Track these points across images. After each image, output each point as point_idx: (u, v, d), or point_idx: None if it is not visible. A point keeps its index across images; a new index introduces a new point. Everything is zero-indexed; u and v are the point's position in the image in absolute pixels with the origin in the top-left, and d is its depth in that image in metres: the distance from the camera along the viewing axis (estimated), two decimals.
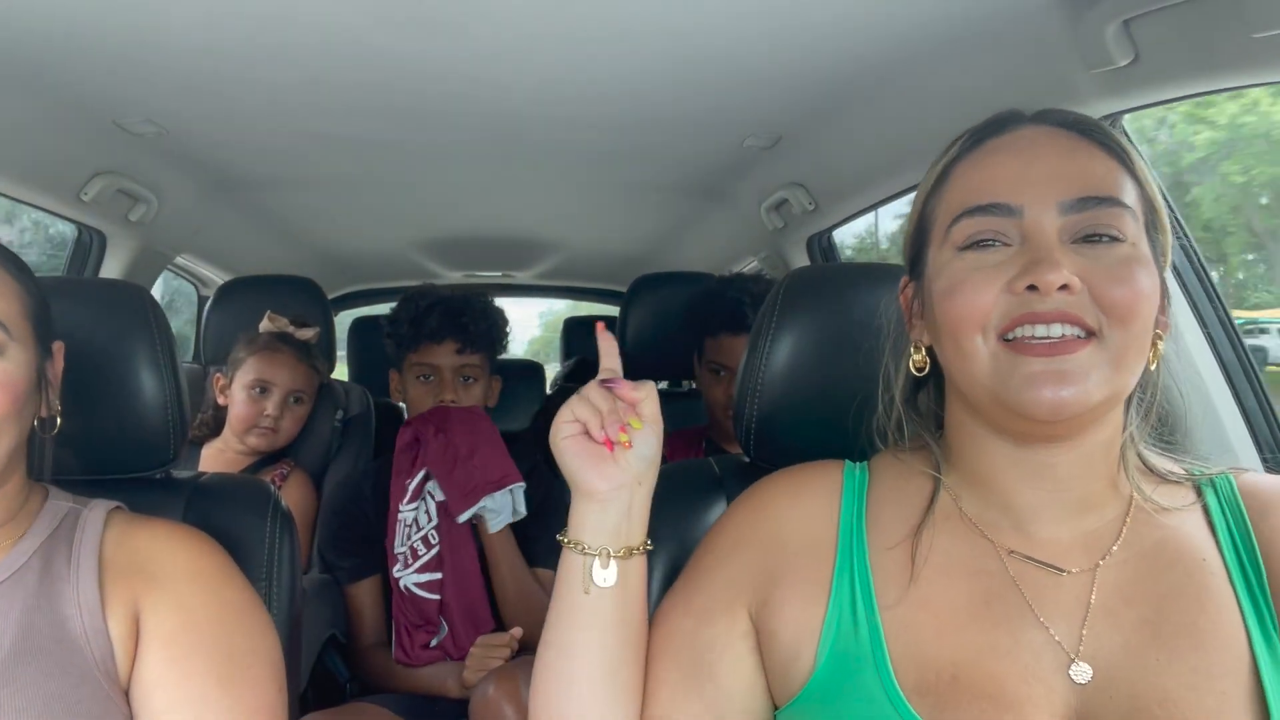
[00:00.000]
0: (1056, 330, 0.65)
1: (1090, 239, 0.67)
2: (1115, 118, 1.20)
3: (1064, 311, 0.65)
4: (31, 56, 1.31)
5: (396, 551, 1.73)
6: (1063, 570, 0.70)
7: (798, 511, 0.79)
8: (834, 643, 0.71)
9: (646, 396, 0.76)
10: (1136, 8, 0.95)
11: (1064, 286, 0.65)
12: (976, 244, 0.69)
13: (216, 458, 1.95)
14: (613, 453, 0.74)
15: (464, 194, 2.42)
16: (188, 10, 1.16)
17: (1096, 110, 1.16)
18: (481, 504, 1.66)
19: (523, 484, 1.69)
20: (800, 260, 2.40)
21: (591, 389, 0.77)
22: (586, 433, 0.75)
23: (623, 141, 1.85)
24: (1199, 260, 1.23)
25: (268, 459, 1.97)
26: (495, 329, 1.83)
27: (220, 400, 1.97)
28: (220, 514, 1.01)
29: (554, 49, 1.31)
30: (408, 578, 1.71)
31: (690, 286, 2.17)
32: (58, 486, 0.90)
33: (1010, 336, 0.67)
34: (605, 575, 0.74)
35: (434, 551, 1.71)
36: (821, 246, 2.36)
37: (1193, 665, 0.65)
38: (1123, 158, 0.70)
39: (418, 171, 2.11)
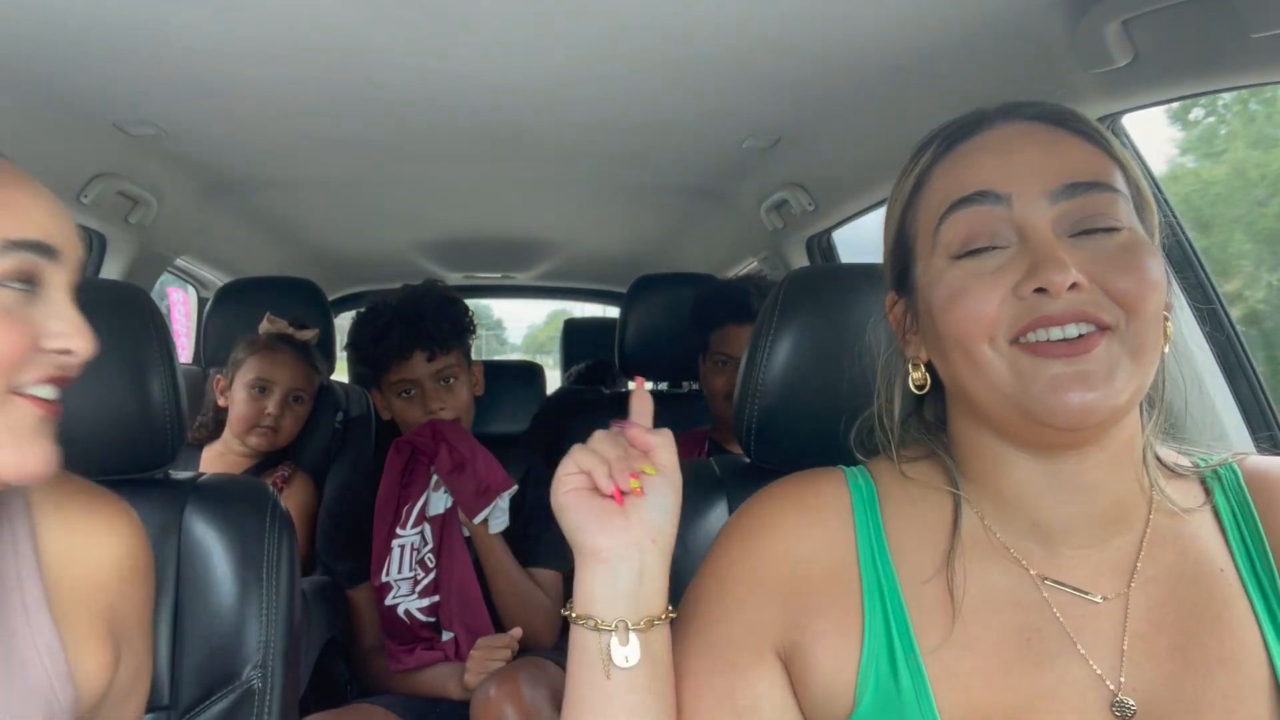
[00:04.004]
0: (1073, 330, 0.62)
1: (1089, 231, 0.64)
2: (1114, 117, 1.20)
3: (1079, 310, 0.61)
4: (31, 59, 1.31)
5: (394, 579, 1.70)
6: (1097, 597, 0.67)
7: (812, 533, 0.73)
8: (874, 689, 0.66)
9: (663, 443, 0.68)
10: (1135, 8, 0.95)
11: (1074, 285, 0.61)
12: (972, 251, 0.65)
13: (217, 460, 1.95)
14: (622, 505, 0.66)
15: (464, 195, 2.42)
16: (187, 12, 1.16)
17: (1096, 110, 1.16)
18: (495, 504, 1.66)
19: (513, 489, 1.70)
20: (800, 261, 2.40)
21: (598, 436, 0.69)
22: (594, 488, 0.67)
23: (623, 143, 1.85)
24: (1192, 248, 1.23)
25: (269, 461, 1.97)
26: (459, 322, 1.77)
27: (220, 401, 1.97)
28: (219, 515, 1.01)
29: (555, 51, 1.31)
30: (409, 603, 1.69)
31: (691, 287, 2.17)
32: None
33: (1024, 340, 0.63)
34: (626, 653, 0.64)
35: (432, 575, 1.70)
36: (821, 247, 2.36)
37: (1224, 690, 0.63)
38: (1102, 143, 0.67)
39: (418, 172, 2.11)
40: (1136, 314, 0.62)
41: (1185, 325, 1.20)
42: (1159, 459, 0.72)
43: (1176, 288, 1.20)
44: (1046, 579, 0.68)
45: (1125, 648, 0.65)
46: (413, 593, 1.70)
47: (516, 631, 1.61)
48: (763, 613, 0.71)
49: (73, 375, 0.69)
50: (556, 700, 1.56)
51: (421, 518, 1.73)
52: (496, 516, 1.67)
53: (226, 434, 1.96)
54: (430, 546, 1.71)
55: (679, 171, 2.13)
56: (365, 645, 1.78)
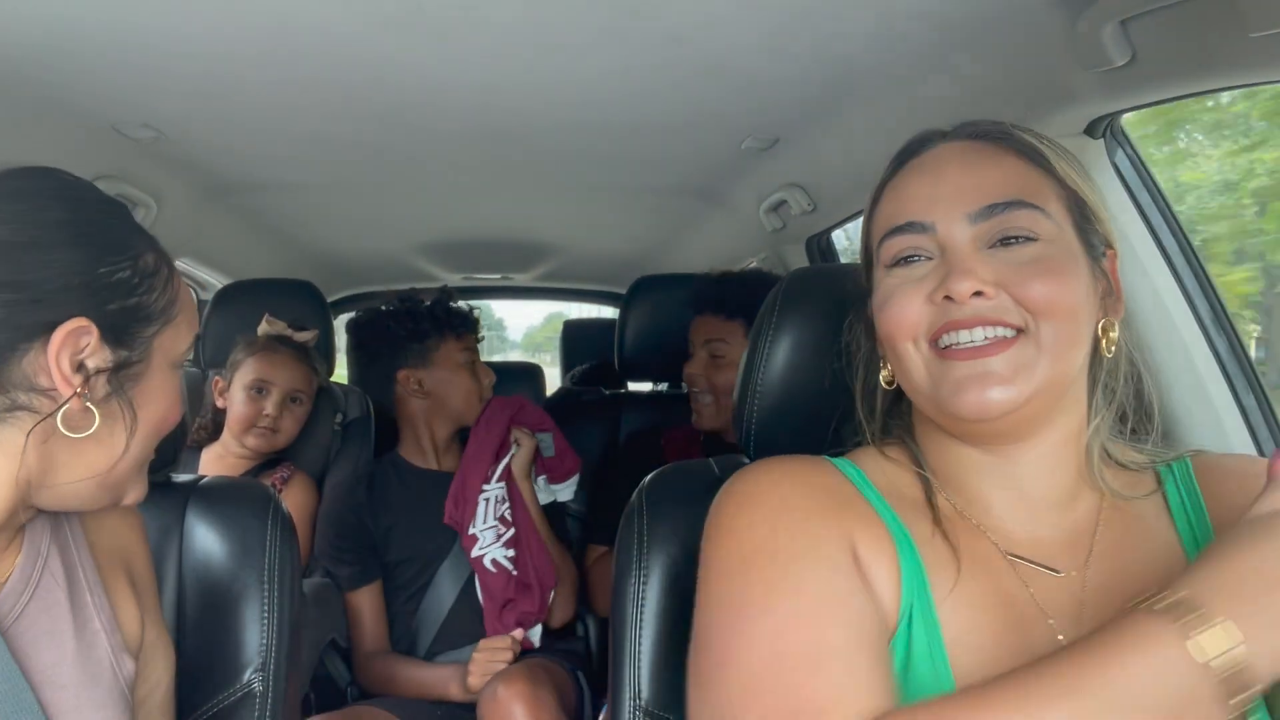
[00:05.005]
0: (979, 335, 0.68)
1: (1005, 241, 0.69)
2: (1113, 118, 1.20)
3: (982, 316, 0.68)
4: (29, 62, 1.31)
5: (480, 530, 1.81)
6: (1058, 571, 0.72)
7: (818, 492, 0.73)
8: (906, 629, 0.69)
9: None
10: (1134, 8, 0.95)
11: (978, 293, 0.68)
12: (902, 260, 0.73)
13: (217, 462, 1.95)
14: None
15: (463, 197, 2.42)
16: (186, 14, 1.16)
17: (1094, 110, 1.16)
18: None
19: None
20: (799, 261, 2.40)
21: None
22: None
23: (621, 145, 1.85)
24: (1195, 257, 1.23)
25: (268, 462, 1.97)
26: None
27: (219, 403, 1.97)
28: (220, 517, 1.01)
29: (553, 53, 1.31)
30: (494, 552, 1.80)
31: (689, 288, 2.17)
32: None
33: (941, 344, 0.70)
34: None
35: (511, 531, 1.82)
36: (820, 247, 2.36)
37: None
38: (1036, 158, 0.73)
39: (417, 174, 2.11)
40: (1044, 317, 0.68)
41: (1184, 327, 1.20)
42: (1111, 455, 0.77)
43: (1184, 302, 1.20)
44: (1010, 554, 0.73)
45: (1083, 618, 0.70)
46: (497, 542, 1.80)
47: (518, 633, 1.63)
48: (827, 531, 0.69)
49: None
50: (562, 700, 1.57)
51: (505, 474, 1.88)
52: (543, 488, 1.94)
53: (225, 435, 1.96)
54: (507, 504, 1.85)
55: (678, 173, 2.13)
56: (365, 650, 1.78)
